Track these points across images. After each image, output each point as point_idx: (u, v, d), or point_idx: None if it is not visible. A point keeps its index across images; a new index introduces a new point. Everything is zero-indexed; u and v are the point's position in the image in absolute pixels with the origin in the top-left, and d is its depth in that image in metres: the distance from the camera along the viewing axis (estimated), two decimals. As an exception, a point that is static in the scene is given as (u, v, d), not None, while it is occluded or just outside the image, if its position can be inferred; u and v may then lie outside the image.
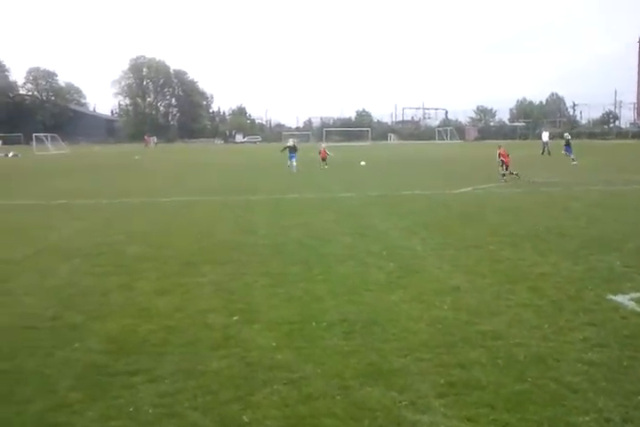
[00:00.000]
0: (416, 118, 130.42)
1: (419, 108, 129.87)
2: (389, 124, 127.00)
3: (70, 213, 13.73)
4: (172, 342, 5.17)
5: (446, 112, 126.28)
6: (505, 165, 20.71)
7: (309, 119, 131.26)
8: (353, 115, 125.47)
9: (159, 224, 11.84)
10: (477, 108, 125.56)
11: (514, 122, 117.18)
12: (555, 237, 9.84)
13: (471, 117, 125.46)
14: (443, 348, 4.94)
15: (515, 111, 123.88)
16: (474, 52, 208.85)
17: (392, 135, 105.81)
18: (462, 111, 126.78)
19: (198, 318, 5.81)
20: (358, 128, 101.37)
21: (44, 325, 5.64)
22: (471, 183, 19.31)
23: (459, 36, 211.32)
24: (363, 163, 30.80)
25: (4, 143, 74.13)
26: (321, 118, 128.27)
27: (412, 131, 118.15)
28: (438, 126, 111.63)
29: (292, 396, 4.10)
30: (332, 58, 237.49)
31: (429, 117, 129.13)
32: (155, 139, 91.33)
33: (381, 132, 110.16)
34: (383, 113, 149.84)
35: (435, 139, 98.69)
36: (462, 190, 17.62)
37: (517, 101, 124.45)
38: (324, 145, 33.22)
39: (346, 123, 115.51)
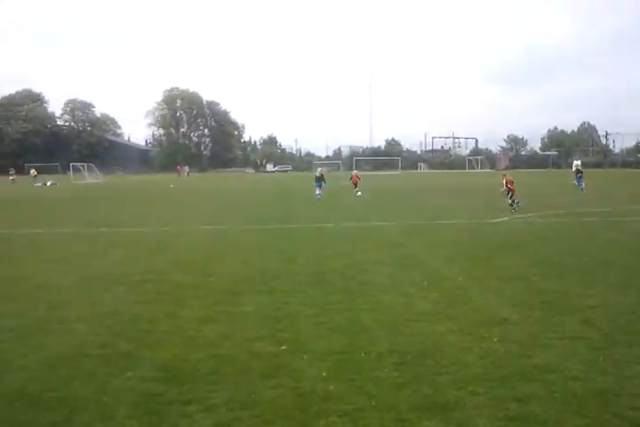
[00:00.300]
0: (446, 147, 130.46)
1: (448, 138, 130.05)
2: (419, 153, 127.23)
3: (112, 241, 13.99)
4: (222, 370, 5.19)
5: (476, 141, 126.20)
6: (511, 192, 20.86)
7: (339, 148, 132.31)
8: (382, 144, 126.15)
9: (200, 252, 11.97)
10: (508, 137, 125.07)
11: (545, 151, 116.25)
12: (600, 267, 9.66)
13: (502, 146, 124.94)
14: (497, 381, 4.86)
15: (546, 140, 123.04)
16: (504, 81, 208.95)
17: (422, 164, 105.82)
18: (493, 140, 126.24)
19: (246, 347, 5.83)
20: (388, 157, 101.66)
21: (96, 352, 5.72)
22: (508, 213, 19.13)
23: (488, 65, 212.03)
24: (359, 193, 29.55)
25: (40, 172, 76.01)
26: (350, 147, 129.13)
27: (442, 160, 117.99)
28: (469, 155, 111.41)
29: (349, 428, 4.07)
30: (361, 87, 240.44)
31: (459, 146, 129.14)
32: (187, 168, 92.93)
33: (411, 161, 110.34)
34: (412, 142, 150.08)
35: (465, 168, 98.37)
36: (499, 220, 17.46)
37: (549, 130, 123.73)
38: (354, 171, 34.05)
39: (375, 152, 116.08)
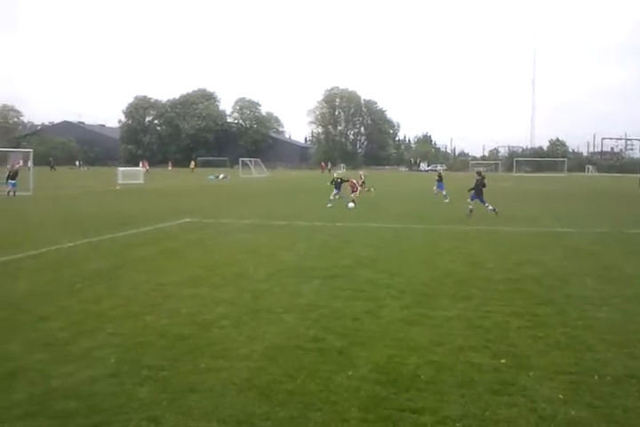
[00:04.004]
0: (616, 149, 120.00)
1: (620, 139, 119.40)
2: (585, 154, 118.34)
3: (293, 234, 14.40)
4: (444, 380, 4.93)
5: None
6: (353, 191, 23.71)
7: (496, 149, 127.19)
8: (544, 144, 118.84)
9: (379, 250, 11.87)
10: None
11: None
12: None
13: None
14: None
15: None
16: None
17: (590, 167, 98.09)
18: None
19: (461, 357, 5.53)
20: (551, 158, 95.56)
21: (311, 346, 5.75)
22: None
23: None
24: (351, 205, 22.34)
25: (208, 166, 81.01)
26: (508, 147, 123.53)
27: (613, 162, 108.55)
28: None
29: (612, 464, 3.61)
30: (521, 85, 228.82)
31: (632, 149, 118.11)
32: (343, 166, 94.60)
33: (577, 162, 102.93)
34: (578, 143, 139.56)
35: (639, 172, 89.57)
36: None
37: None
38: (361, 172, 29.49)
39: (536, 153, 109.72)
